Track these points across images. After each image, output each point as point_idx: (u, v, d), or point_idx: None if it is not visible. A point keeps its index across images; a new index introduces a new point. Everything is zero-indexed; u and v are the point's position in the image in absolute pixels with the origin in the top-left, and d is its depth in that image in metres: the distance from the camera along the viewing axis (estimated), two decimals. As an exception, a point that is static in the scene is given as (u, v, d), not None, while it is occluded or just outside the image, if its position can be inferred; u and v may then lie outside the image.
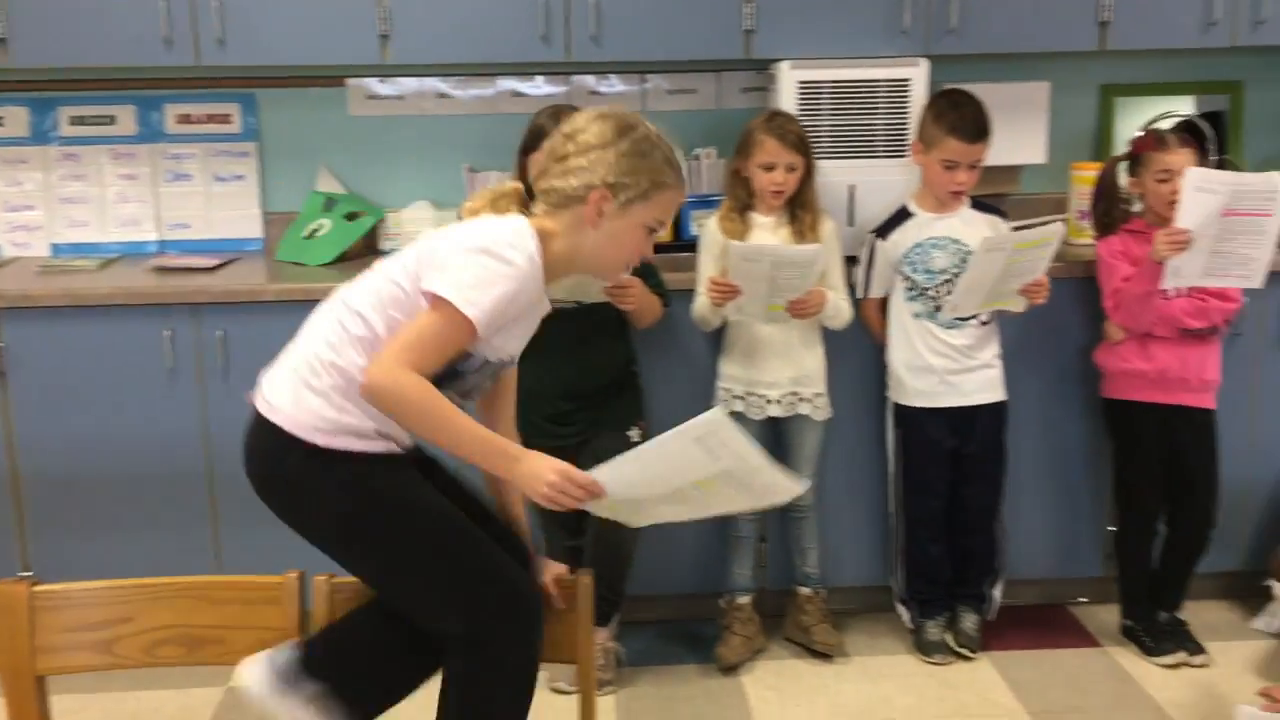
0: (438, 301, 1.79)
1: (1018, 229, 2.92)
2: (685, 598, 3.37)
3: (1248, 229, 2.82)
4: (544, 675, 1.92)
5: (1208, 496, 3.14)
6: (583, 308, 2.91)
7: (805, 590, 3.26)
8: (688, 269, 3.11)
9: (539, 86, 3.62)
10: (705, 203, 3.38)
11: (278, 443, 1.85)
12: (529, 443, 1.88)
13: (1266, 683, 3.00)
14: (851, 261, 3.16)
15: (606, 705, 2.97)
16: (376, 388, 1.77)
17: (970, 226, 3.07)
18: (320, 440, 1.84)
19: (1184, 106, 3.60)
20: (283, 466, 1.86)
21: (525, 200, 1.98)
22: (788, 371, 3.08)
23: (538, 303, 1.95)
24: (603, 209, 1.88)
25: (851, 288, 3.14)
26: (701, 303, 3.05)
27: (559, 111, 2.83)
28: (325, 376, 1.85)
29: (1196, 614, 3.30)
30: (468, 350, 1.86)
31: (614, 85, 3.63)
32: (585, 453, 2.94)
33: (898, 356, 3.14)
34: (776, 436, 3.15)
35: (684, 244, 3.32)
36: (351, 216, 3.55)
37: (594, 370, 2.98)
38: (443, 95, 3.63)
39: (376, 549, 1.87)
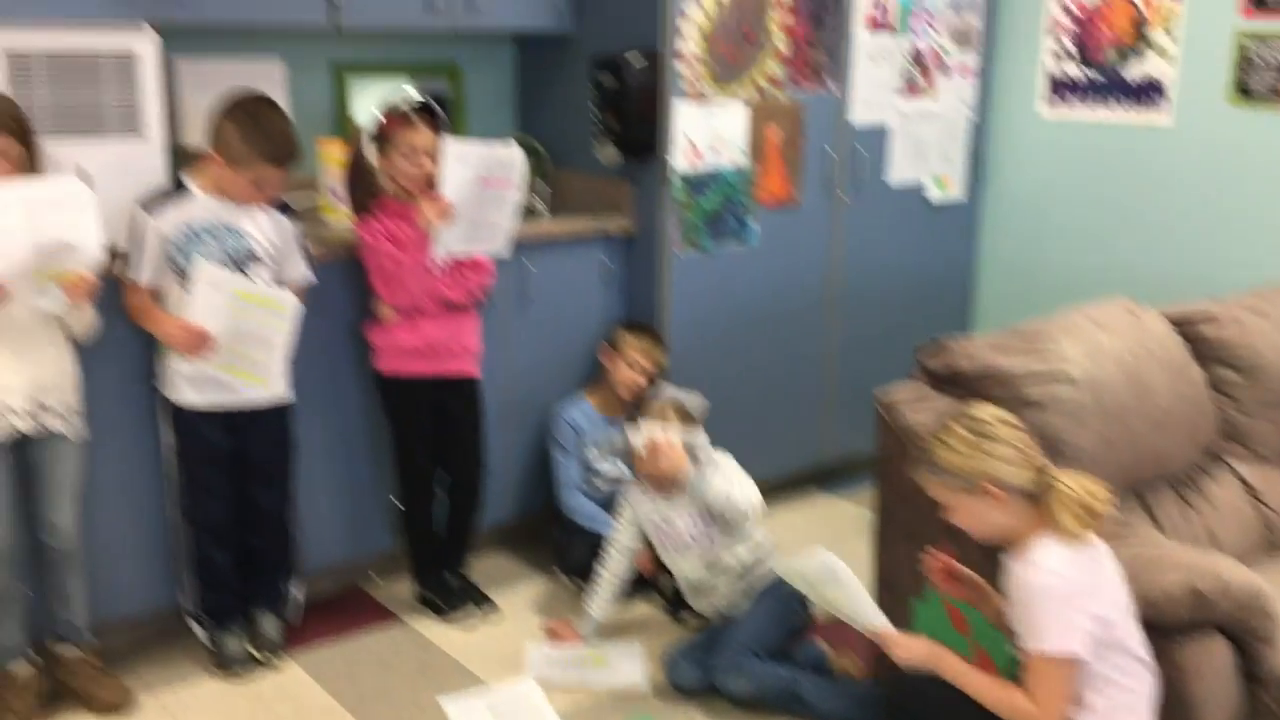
0: None
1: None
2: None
3: (495, 199, 3.02)
4: None
5: (476, 458, 3.32)
6: None
7: (70, 648, 2.83)
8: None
9: None
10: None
11: None
12: None
13: (546, 618, 3.28)
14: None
15: None
16: None
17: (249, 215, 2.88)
18: None
19: (408, 87, 3.70)
20: None
21: None
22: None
23: None
24: None
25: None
26: None
27: None
28: None
29: (479, 569, 3.50)
30: None
31: None
32: None
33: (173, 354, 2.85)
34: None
35: None
36: None
37: None
38: None
39: None
